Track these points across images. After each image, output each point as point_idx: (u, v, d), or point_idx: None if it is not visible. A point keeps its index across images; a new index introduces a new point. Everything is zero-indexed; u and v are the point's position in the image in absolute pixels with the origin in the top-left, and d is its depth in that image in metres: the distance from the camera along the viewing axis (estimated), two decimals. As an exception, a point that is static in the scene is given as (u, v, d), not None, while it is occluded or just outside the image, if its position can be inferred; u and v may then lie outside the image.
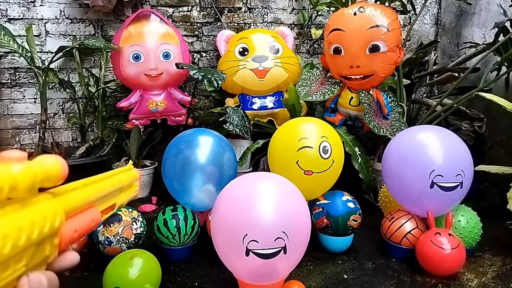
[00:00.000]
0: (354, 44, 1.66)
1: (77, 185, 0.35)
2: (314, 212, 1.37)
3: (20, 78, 2.13)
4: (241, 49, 2.04)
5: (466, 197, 1.27)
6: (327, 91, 1.80)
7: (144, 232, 1.28)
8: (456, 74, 1.88)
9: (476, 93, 1.58)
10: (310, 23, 2.32)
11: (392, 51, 1.65)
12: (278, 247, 0.90)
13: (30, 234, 0.27)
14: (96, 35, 2.18)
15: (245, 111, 1.87)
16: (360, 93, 1.75)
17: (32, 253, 0.28)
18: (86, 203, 0.37)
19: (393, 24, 1.64)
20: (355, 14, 1.65)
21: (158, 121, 2.13)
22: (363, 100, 1.73)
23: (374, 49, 1.64)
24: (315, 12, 2.27)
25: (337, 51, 1.73)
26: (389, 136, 1.65)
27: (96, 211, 0.39)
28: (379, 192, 1.64)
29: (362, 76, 1.71)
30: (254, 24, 2.33)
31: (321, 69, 1.93)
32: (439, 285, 1.15)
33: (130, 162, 0.57)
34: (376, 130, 1.68)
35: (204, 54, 2.32)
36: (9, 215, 0.26)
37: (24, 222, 0.26)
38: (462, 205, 1.33)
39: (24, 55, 1.93)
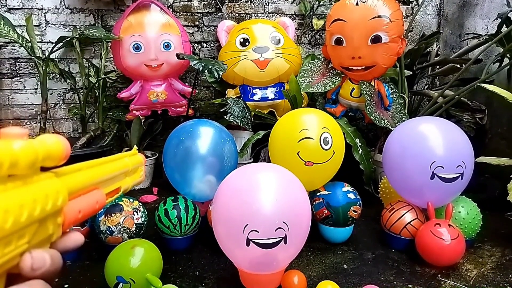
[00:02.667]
0: (356, 34, 1.65)
1: (81, 166, 0.35)
2: (314, 203, 1.37)
3: (21, 69, 2.13)
4: (242, 40, 2.03)
5: (466, 188, 1.27)
6: (328, 82, 1.79)
7: (145, 222, 1.29)
8: (458, 66, 1.87)
9: (478, 84, 1.57)
10: (311, 13, 2.30)
11: (394, 41, 1.64)
12: (279, 237, 0.91)
13: (31, 211, 0.27)
14: (96, 25, 2.17)
15: (246, 102, 1.86)
16: (362, 84, 1.74)
17: (34, 231, 0.28)
18: (90, 184, 0.37)
19: (395, 15, 1.62)
20: (357, 4, 1.63)
21: (159, 112, 2.13)
22: (364, 91, 1.72)
23: (376, 39, 1.63)
24: (317, 2, 2.25)
25: (338, 41, 1.71)
26: (390, 127, 1.65)
27: (101, 193, 0.39)
28: (380, 183, 1.64)
29: (363, 67, 1.70)
30: (255, 15, 2.32)
31: (322, 60, 1.91)
32: (439, 275, 1.16)
33: (135, 146, 0.57)
34: (377, 122, 1.68)
35: (204, 45, 2.31)
36: (10, 191, 0.26)
37: (25, 199, 0.26)
38: (463, 196, 1.34)
39: (24, 45, 1.92)
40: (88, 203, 0.36)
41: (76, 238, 0.34)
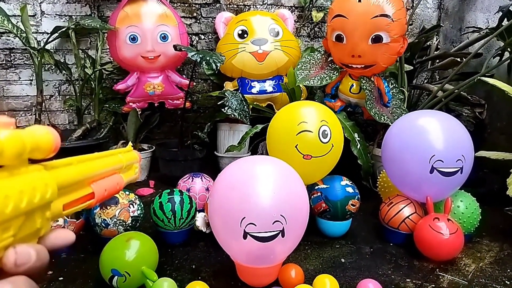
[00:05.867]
0: (357, 33, 1.59)
1: (72, 161, 0.34)
2: (312, 197, 1.36)
3: (16, 59, 2.09)
4: (240, 32, 2.00)
5: (465, 183, 1.27)
6: (325, 76, 1.76)
7: (141, 215, 1.27)
8: (458, 59, 1.85)
9: (478, 78, 1.55)
10: (311, 5, 2.27)
11: (395, 41, 1.59)
12: (276, 231, 0.90)
13: (18, 203, 0.25)
14: (93, 15, 2.14)
15: (244, 95, 1.84)
16: (362, 79, 1.72)
17: (20, 224, 0.27)
18: (81, 179, 0.35)
19: (399, 14, 1.55)
20: (359, 0, 1.58)
21: (156, 104, 2.10)
22: (364, 87, 1.70)
23: (377, 39, 1.58)
24: (316, -6, 2.23)
25: (339, 38, 1.67)
26: (390, 123, 1.63)
27: (120, 177, 0.44)
28: (378, 177, 1.63)
29: (363, 65, 1.67)
30: (254, 6, 2.29)
31: (322, 53, 1.88)
32: (437, 269, 1.15)
33: (130, 143, 0.55)
34: (377, 118, 1.66)
35: (202, 37, 2.28)
36: None
37: (11, 190, 0.25)
38: (462, 190, 1.33)
39: (19, 35, 1.89)
40: (112, 184, 0.41)
41: (67, 235, 0.33)
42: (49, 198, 0.29)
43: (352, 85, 1.79)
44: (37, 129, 0.28)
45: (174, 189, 1.30)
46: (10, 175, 0.26)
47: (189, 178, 1.57)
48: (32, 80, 2.11)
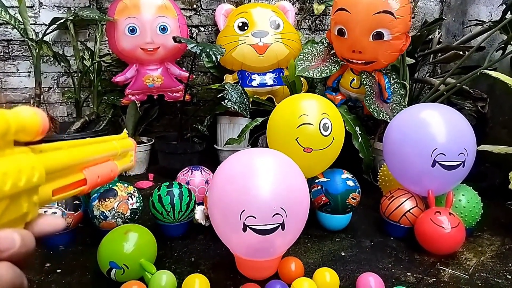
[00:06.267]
0: (358, 28, 1.55)
1: (62, 145, 0.33)
2: (313, 190, 1.35)
3: (14, 51, 2.07)
4: (240, 24, 1.98)
5: (467, 177, 1.25)
6: (325, 69, 1.74)
7: (140, 208, 1.26)
8: (461, 53, 1.83)
9: (481, 71, 1.54)
10: (312, -2, 2.25)
11: (397, 39, 1.54)
12: (276, 223, 0.89)
13: (1, 185, 0.24)
14: (91, 6, 2.11)
15: (244, 88, 1.82)
16: (362, 74, 1.70)
17: (4, 207, 0.25)
18: (71, 164, 0.34)
19: (403, 10, 1.50)
20: None
21: (155, 97, 2.09)
22: (364, 82, 1.68)
23: (378, 36, 1.54)
24: (318, -14, 2.20)
25: (341, 32, 1.63)
26: (388, 120, 1.61)
27: (114, 164, 0.43)
28: (379, 171, 1.62)
29: (364, 61, 1.65)
30: (255, -2, 2.26)
31: (326, 45, 1.84)
32: (438, 263, 1.15)
33: (125, 130, 0.54)
34: (375, 114, 1.65)
35: (202, 29, 2.26)
36: None
37: None
38: (463, 184, 1.32)
39: (17, 26, 1.87)
40: (106, 171, 0.40)
41: (55, 222, 0.31)
42: (36, 182, 0.28)
43: (353, 79, 1.77)
44: (23, 109, 0.27)
45: (173, 182, 1.29)
46: None
47: (188, 171, 1.56)
48: (30, 72, 2.10)
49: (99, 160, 0.39)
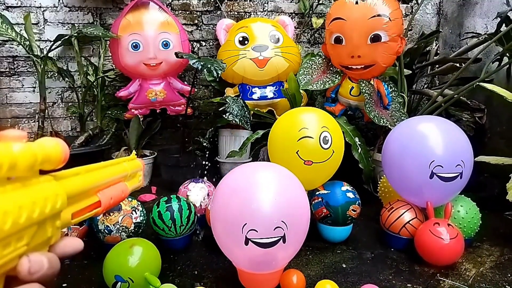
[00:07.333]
0: (356, 33, 1.65)
1: (80, 171, 0.36)
2: (313, 202, 1.37)
3: (19, 67, 2.12)
4: (241, 38, 2.02)
5: (465, 188, 1.27)
6: (328, 80, 1.79)
7: (144, 221, 1.28)
8: (458, 65, 1.86)
9: (477, 83, 1.57)
10: (311, 12, 2.29)
11: (393, 41, 1.64)
12: (278, 236, 0.91)
13: (30, 213, 0.27)
14: (95, 23, 2.16)
15: (245, 101, 1.85)
16: (361, 83, 1.74)
17: (33, 233, 0.28)
18: (89, 188, 0.37)
19: (395, 14, 1.62)
20: (356, 3, 1.63)
21: (158, 111, 2.12)
22: (363, 90, 1.72)
23: (376, 38, 1.63)
24: (316, 1, 2.25)
25: (338, 40, 1.71)
26: (389, 126, 1.65)
27: (125, 185, 0.45)
28: (379, 182, 1.64)
29: (363, 66, 1.70)
30: (255, 13, 2.31)
31: (323, 57, 1.90)
32: (437, 274, 1.16)
33: (134, 152, 0.57)
34: (376, 120, 1.68)
35: (203, 43, 2.30)
36: (9, 193, 0.25)
37: (24, 201, 0.26)
38: (462, 195, 1.33)
39: (22, 43, 1.92)
40: (118, 192, 0.43)
41: (76, 243, 0.34)
42: (59, 208, 0.30)
43: (352, 87, 1.82)
44: (47, 141, 0.29)
45: (172, 196, 1.30)
46: (22, 186, 0.27)
47: (189, 183, 1.58)
48: (35, 87, 2.14)
49: (112, 182, 0.42)
